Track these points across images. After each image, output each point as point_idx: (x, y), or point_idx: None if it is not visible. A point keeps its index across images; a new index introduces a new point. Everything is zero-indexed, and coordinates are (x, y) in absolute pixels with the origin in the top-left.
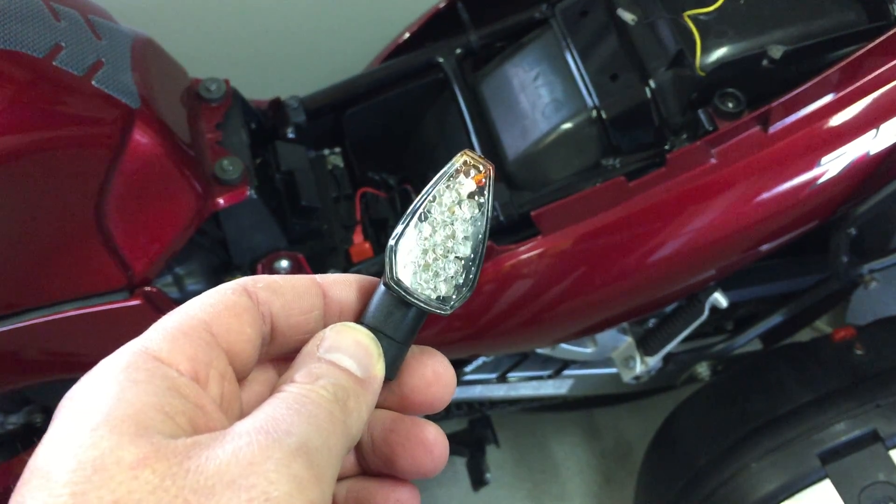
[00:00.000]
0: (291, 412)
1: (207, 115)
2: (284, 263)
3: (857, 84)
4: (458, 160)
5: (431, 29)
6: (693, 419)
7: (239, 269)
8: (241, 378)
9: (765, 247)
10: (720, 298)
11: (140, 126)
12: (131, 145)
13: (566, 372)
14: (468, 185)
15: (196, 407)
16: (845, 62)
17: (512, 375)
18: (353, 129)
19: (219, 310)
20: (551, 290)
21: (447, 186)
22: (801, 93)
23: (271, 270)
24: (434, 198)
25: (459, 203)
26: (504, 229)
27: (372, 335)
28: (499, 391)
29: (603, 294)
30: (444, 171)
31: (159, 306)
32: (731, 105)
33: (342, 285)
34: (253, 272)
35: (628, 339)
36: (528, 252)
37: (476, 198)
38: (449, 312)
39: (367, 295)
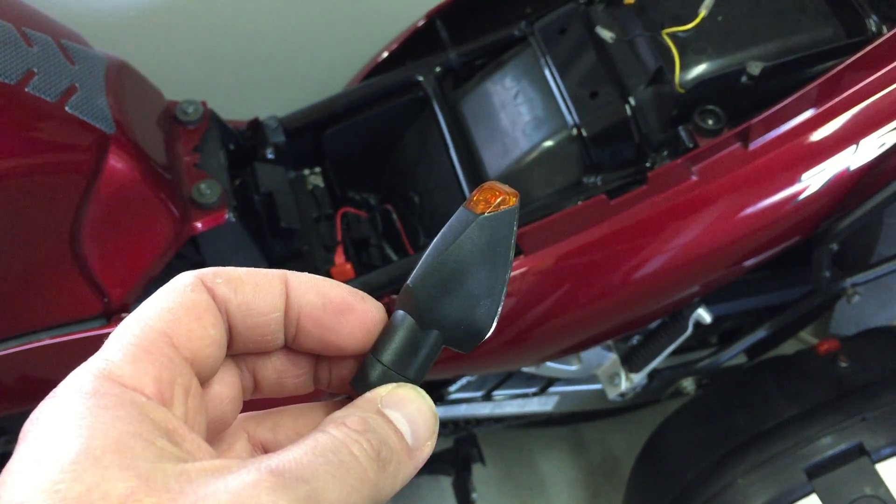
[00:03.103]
0: (318, 458)
1: (184, 138)
2: None
3: (837, 100)
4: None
5: (411, 47)
6: (679, 434)
7: None
8: (206, 381)
9: (748, 262)
10: (704, 314)
11: (115, 151)
12: (106, 171)
13: (552, 389)
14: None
15: (168, 431)
16: (824, 78)
17: (497, 394)
18: (333, 148)
19: (178, 315)
20: (535, 308)
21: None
22: (781, 109)
23: None
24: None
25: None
26: None
27: (434, 408)
28: (484, 409)
29: (587, 312)
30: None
31: None
32: (710, 122)
33: (308, 288)
34: None
35: (613, 356)
36: (512, 271)
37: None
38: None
39: (334, 307)
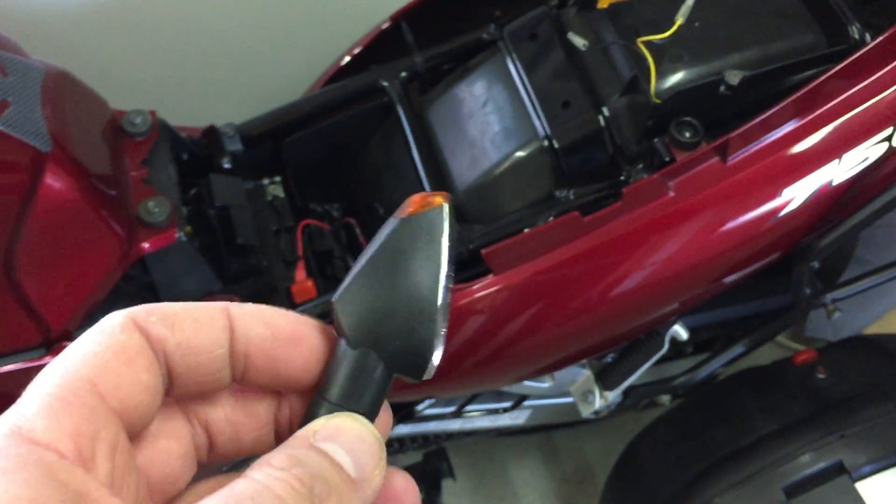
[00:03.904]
0: None
1: (132, 151)
2: None
3: (819, 112)
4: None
5: (375, 51)
6: (655, 450)
7: None
8: (140, 431)
9: (728, 279)
10: (680, 331)
11: (52, 169)
12: (43, 191)
13: (524, 403)
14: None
15: (79, 496)
16: (806, 89)
17: (469, 409)
18: (294, 157)
19: (105, 359)
20: (507, 329)
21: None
22: (761, 122)
23: None
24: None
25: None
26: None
27: (379, 435)
28: (454, 425)
29: (560, 332)
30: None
31: None
32: (687, 135)
33: (254, 319)
34: None
35: (586, 373)
36: (481, 290)
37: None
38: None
39: (284, 337)
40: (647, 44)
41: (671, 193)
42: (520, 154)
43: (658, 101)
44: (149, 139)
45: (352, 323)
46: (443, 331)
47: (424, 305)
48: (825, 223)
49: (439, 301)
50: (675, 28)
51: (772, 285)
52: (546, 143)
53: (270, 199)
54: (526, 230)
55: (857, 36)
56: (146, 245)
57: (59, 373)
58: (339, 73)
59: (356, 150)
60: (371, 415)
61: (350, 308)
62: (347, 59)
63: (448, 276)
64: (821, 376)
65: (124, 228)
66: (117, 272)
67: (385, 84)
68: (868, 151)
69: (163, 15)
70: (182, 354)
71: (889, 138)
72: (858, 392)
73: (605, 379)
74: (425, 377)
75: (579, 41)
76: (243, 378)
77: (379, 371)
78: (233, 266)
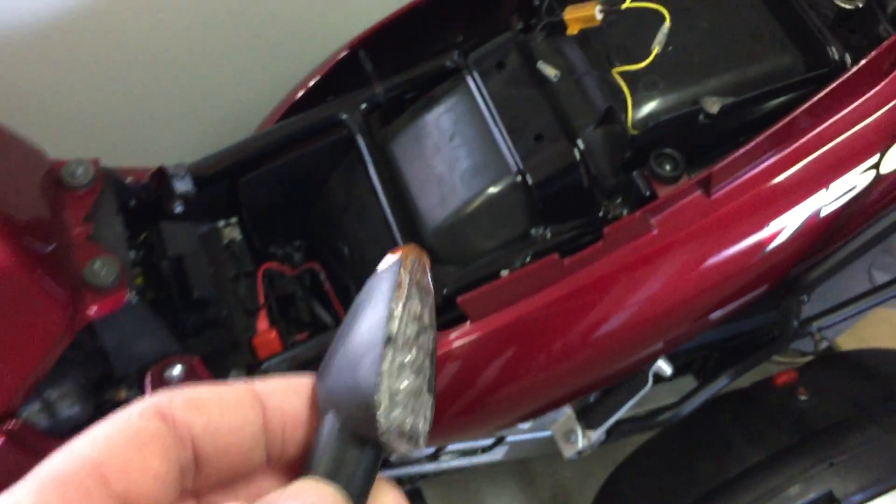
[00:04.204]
0: None
1: (74, 206)
2: (177, 371)
3: (803, 140)
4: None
5: (332, 81)
6: (638, 482)
7: (123, 382)
8: None
9: (714, 315)
10: (664, 366)
11: None
12: None
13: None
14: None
15: None
16: (788, 118)
17: (446, 451)
18: (251, 197)
19: (116, 442)
20: (486, 378)
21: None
22: (744, 153)
23: (161, 380)
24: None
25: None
26: None
27: (341, 492)
28: (430, 467)
29: (543, 378)
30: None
31: (26, 443)
32: (668, 167)
33: (284, 391)
34: (140, 383)
35: (568, 412)
36: (457, 339)
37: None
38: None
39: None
40: (622, 73)
41: (654, 231)
42: (492, 191)
43: (635, 131)
44: (92, 191)
45: (321, 390)
46: (387, 376)
47: (367, 348)
48: (814, 253)
49: (385, 344)
50: (651, 58)
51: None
52: (519, 178)
53: (227, 243)
54: (503, 272)
55: (836, 57)
56: (94, 310)
57: (63, 454)
58: (295, 107)
59: (316, 186)
60: (362, 495)
61: (321, 376)
62: (303, 91)
63: (409, 320)
64: (803, 398)
65: (68, 293)
66: (63, 342)
67: (344, 117)
68: (855, 180)
69: (102, 48)
70: (212, 436)
71: (876, 165)
72: (843, 415)
73: (588, 418)
74: (382, 433)
75: (551, 71)
76: (282, 455)
77: (347, 436)
78: (189, 320)
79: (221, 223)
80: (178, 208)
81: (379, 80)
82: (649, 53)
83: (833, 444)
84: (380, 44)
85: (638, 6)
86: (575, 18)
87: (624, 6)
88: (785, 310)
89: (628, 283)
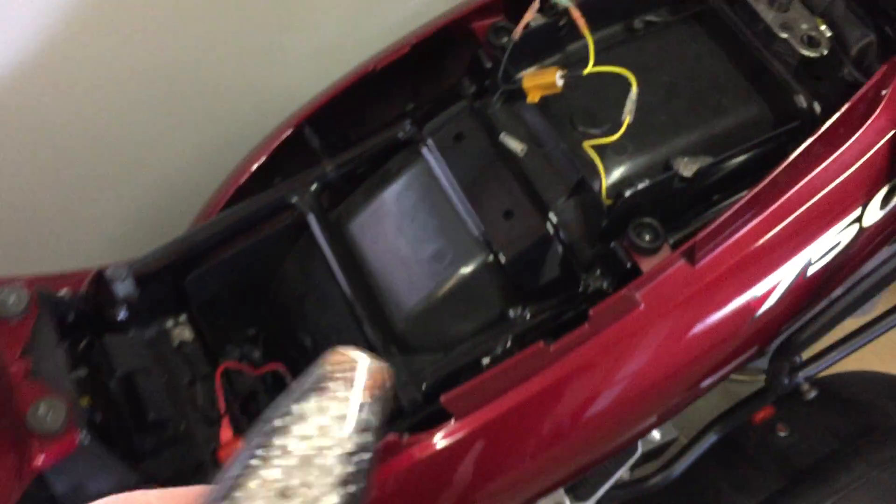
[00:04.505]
0: None
1: (8, 339)
2: None
3: (783, 200)
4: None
5: (277, 162)
6: None
7: None
8: None
9: (706, 383)
10: (653, 432)
11: None
12: None
13: None
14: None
15: None
16: (768, 179)
17: None
18: (200, 293)
19: None
20: (474, 474)
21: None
22: (726, 219)
23: None
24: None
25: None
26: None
27: None
28: None
29: (533, 468)
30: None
31: None
32: (647, 238)
33: None
34: None
35: None
36: (443, 440)
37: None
38: None
39: None
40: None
41: (641, 306)
42: (463, 273)
43: (609, 201)
44: (27, 319)
45: None
46: None
47: None
48: (803, 309)
49: None
50: (623, 129)
51: None
52: (491, 257)
53: (178, 345)
54: (484, 360)
55: (804, 106)
56: (41, 459)
57: None
58: (240, 192)
59: (271, 275)
60: None
61: None
62: (246, 176)
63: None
64: (782, 434)
65: (11, 445)
66: (12, 496)
67: (294, 199)
68: (840, 235)
69: (19, 134)
70: None
71: (859, 219)
72: (826, 449)
73: (577, 490)
74: None
75: (516, 146)
76: None
77: None
78: (145, 442)
79: (170, 323)
80: (122, 314)
81: (328, 156)
82: (614, 115)
83: (821, 486)
84: (325, 116)
85: (600, 70)
86: (535, 86)
87: (586, 72)
88: (775, 370)
89: (617, 361)
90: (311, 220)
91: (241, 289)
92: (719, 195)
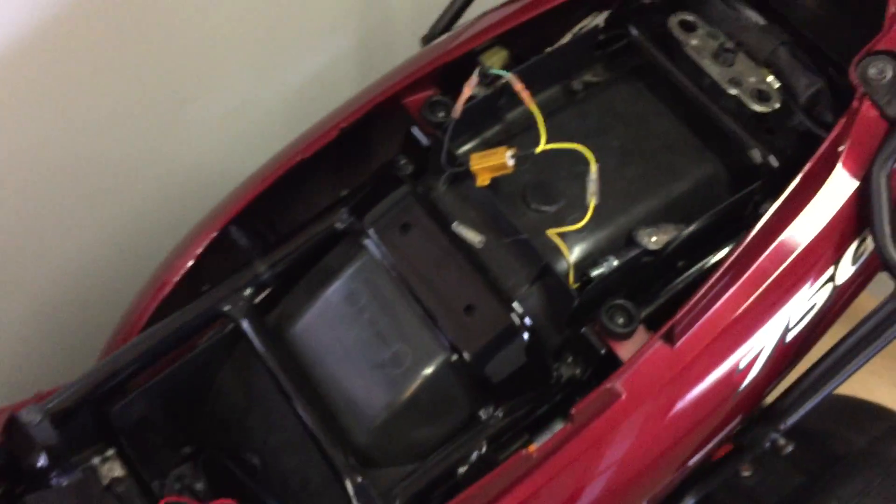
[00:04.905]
0: None
1: None
2: None
3: (759, 268)
4: None
5: (206, 266)
6: None
7: None
8: None
9: (693, 461)
10: None
11: None
12: None
13: None
14: None
15: None
16: (739, 250)
17: None
18: (128, 424)
19: None
20: None
21: None
22: (703, 295)
23: None
24: None
25: None
26: None
27: None
28: None
29: None
30: None
31: None
32: (621, 321)
33: None
34: None
35: None
36: None
37: None
38: None
39: None
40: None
41: (623, 396)
42: (425, 376)
43: (576, 285)
44: None
45: None
46: None
47: None
48: (785, 374)
49: None
50: (589, 215)
51: None
52: (454, 357)
53: (108, 484)
54: (459, 470)
55: (760, 161)
56: None
57: None
58: (165, 304)
59: (206, 389)
60: None
61: None
62: (170, 287)
63: None
64: (746, 474)
65: None
66: None
67: (227, 308)
68: (815, 297)
69: None
70: None
71: (832, 277)
72: (792, 485)
73: None
74: None
75: (473, 236)
76: None
77: None
78: None
79: (96, 460)
80: (41, 461)
81: (259, 255)
82: (569, 190)
83: None
84: (253, 212)
85: (553, 147)
86: (484, 168)
87: (539, 150)
88: (758, 439)
89: (603, 455)
90: (247, 327)
91: (173, 409)
92: (684, 261)
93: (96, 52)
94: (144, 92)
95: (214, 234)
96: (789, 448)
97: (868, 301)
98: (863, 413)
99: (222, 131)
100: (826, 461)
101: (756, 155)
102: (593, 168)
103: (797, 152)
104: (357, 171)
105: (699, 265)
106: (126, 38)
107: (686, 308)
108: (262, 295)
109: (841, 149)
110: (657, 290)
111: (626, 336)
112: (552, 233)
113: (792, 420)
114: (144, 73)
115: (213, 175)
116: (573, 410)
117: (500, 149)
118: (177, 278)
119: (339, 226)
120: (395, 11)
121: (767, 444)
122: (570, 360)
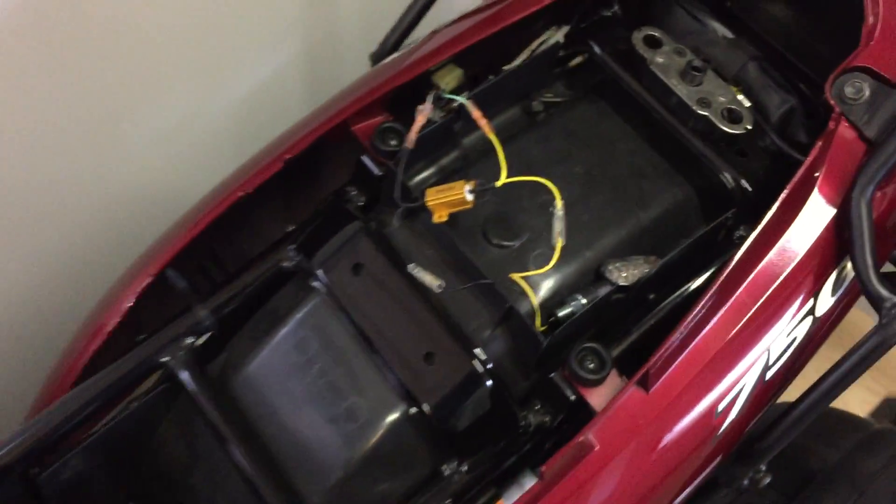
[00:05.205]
0: None
1: None
2: None
3: (731, 302)
4: None
5: (140, 314)
6: None
7: None
8: None
9: (676, 501)
10: None
11: None
12: None
13: None
14: None
15: None
16: (713, 288)
17: None
18: (58, 491)
19: None
20: None
21: None
22: (676, 338)
23: None
24: None
25: None
26: None
27: None
28: None
29: None
30: None
31: None
32: (592, 366)
33: None
34: None
35: None
36: None
37: None
38: None
39: None
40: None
41: (596, 448)
42: (382, 430)
43: (543, 328)
44: None
45: None
46: None
47: None
48: (765, 410)
49: None
50: (557, 257)
51: None
52: (413, 409)
53: None
54: None
55: (732, 185)
56: None
57: None
58: (97, 357)
59: (145, 449)
60: None
61: None
62: (101, 337)
63: None
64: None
65: None
66: None
67: (165, 359)
68: (795, 332)
69: None
70: None
71: (812, 310)
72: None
73: None
74: None
75: (431, 280)
76: None
77: None
78: None
79: None
80: None
81: (198, 299)
82: (531, 223)
83: None
84: (192, 253)
85: (514, 181)
86: (442, 203)
87: (500, 183)
88: (738, 475)
89: None
90: (187, 379)
91: (111, 469)
92: (655, 294)
93: (22, 64)
94: (76, 109)
95: (149, 280)
96: (767, 480)
97: (854, 314)
98: (836, 425)
99: (164, 148)
100: (802, 479)
101: (728, 179)
102: (559, 205)
103: (770, 175)
104: (306, 202)
105: (671, 297)
106: (54, 50)
107: (660, 351)
108: (205, 337)
109: (817, 174)
110: (628, 327)
111: (598, 382)
112: (517, 277)
113: (770, 456)
114: (76, 89)
115: (158, 195)
116: (543, 468)
117: (458, 183)
118: (110, 327)
119: (287, 265)
120: (342, 22)
121: (746, 482)
122: (538, 407)
